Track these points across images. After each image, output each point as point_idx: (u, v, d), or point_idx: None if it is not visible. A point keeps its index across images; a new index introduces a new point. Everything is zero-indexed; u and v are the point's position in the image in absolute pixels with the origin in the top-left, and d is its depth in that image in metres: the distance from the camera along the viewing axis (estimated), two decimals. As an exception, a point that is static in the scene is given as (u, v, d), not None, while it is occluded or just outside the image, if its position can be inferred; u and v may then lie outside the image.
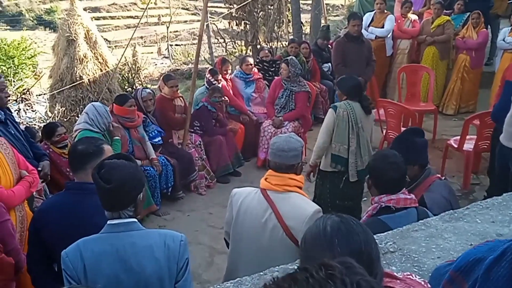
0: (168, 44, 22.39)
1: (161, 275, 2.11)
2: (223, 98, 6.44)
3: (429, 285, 1.53)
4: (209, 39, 12.80)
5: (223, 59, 7.20)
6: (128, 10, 33.78)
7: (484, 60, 8.55)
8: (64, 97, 8.94)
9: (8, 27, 29.55)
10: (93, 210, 2.40)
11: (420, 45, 8.35)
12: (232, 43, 12.04)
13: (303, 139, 5.62)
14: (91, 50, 9.06)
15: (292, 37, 9.71)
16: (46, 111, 9.41)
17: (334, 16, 20.19)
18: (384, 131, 6.47)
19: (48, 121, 7.31)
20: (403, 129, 6.18)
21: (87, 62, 8.93)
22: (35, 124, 8.23)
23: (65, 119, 8.36)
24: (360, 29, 6.47)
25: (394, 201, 2.70)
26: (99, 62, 9.19)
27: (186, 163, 5.86)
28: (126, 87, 11.41)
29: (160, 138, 5.68)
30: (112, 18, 32.04)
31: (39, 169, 3.82)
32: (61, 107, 8.73)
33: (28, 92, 9.80)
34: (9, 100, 4.18)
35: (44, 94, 10.57)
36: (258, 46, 10.31)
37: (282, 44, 11.01)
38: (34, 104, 9.53)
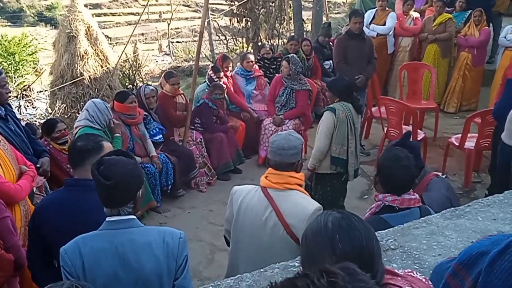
0: (169, 41, 22.38)
1: (160, 272, 2.10)
2: (224, 96, 6.44)
3: (430, 282, 1.53)
4: (210, 36, 12.81)
5: (224, 56, 7.19)
6: (129, 7, 33.77)
7: (486, 58, 8.54)
8: (65, 94, 8.93)
9: (9, 24, 29.55)
10: (92, 206, 2.40)
11: (422, 43, 8.34)
12: (233, 40, 12.03)
13: (303, 137, 5.65)
14: (92, 47, 9.05)
15: (293, 34, 9.69)
16: (47, 108, 9.40)
17: (336, 13, 20.15)
18: (385, 129, 6.46)
19: (48, 118, 7.30)
20: (404, 127, 6.19)
21: (87, 58, 8.91)
22: (35, 121, 8.21)
23: (65, 116, 8.35)
24: (361, 26, 6.45)
25: (399, 202, 2.69)
26: (100, 58, 9.18)
27: (187, 160, 5.85)
28: (127, 84, 11.40)
29: (161, 135, 5.67)
30: (113, 14, 32.03)
31: (38, 165, 3.81)
32: (61, 104, 8.72)
33: (28, 89, 9.77)
34: (9, 97, 4.17)
35: (45, 90, 10.56)
36: (259, 43, 10.29)
37: (283, 41, 10.99)
38: (34, 100, 9.50)
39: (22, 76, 12.32)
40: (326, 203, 4.60)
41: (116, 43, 18.79)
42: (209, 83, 6.51)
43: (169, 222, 5.31)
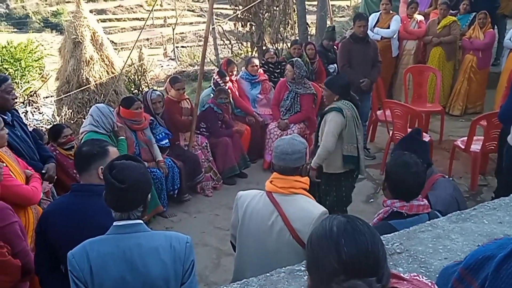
0: (174, 46, 22.43)
1: (167, 277, 2.11)
2: (229, 100, 6.46)
3: (436, 286, 1.53)
4: (215, 41, 12.80)
5: (229, 61, 7.20)
6: (134, 12, 33.88)
7: (491, 60, 8.51)
8: (71, 99, 8.97)
9: (15, 30, 29.71)
10: (98, 211, 2.42)
11: (426, 46, 8.33)
12: (238, 45, 12.03)
13: (309, 141, 5.64)
14: (97, 52, 9.09)
15: (297, 38, 9.70)
16: (53, 113, 9.44)
17: (340, 17, 20.16)
18: (391, 132, 6.45)
19: (54, 123, 7.34)
20: (409, 130, 6.18)
21: (93, 64, 8.95)
22: (42, 126, 8.26)
23: (72, 121, 8.39)
24: (365, 30, 6.45)
25: (407, 208, 2.67)
26: (106, 64, 9.22)
27: (193, 164, 5.87)
28: (132, 89, 11.44)
29: (167, 140, 5.69)
30: (118, 20, 32.14)
31: (44, 171, 3.83)
32: (68, 109, 8.77)
33: (35, 95, 9.83)
34: (16, 103, 4.20)
35: (51, 96, 10.61)
36: (264, 48, 10.29)
37: (287, 45, 10.98)
38: (41, 106, 9.56)
39: (28, 82, 12.38)
40: (341, 203, 4.70)
41: (121, 48, 18.86)
42: (214, 88, 6.53)
43: (175, 226, 5.32)
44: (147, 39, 25.90)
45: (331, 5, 11.86)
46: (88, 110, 4.96)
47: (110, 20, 31.30)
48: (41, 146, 4.18)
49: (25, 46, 14.42)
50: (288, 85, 6.39)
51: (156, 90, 5.96)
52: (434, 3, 9.29)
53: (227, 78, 6.61)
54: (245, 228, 2.76)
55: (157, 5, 29.74)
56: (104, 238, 2.11)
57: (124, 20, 32.35)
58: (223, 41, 12.45)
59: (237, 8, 10.79)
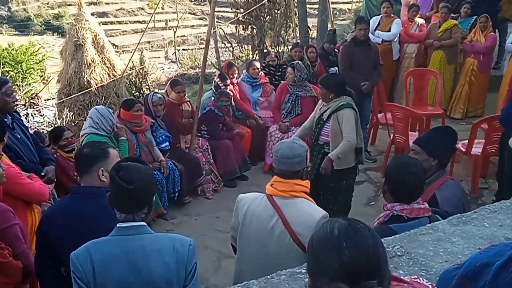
0: (175, 48, 22.48)
1: (170, 279, 2.11)
2: (230, 103, 6.46)
3: (436, 289, 1.53)
4: (216, 44, 12.84)
5: (230, 63, 7.22)
6: (135, 15, 33.91)
7: (492, 64, 8.51)
8: (72, 102, 9.00)
9: (17, 32, 29.76)
10: (98, 213, 2.42)
11: (428, 49, 8.33)
12: (239, 48, 12.06)
13: (310, 144, 5.63)
14: (98, 55, 9.11)
15: (299, 41, 9.71)
16: (54, 116, 9.46)
17: (341, 20, 20.16)
18: (392, 135, 6.45)
19: (55, 126, 7.35)
20: (410, 133, 6.18)
21: (94, 66, 8.98)
22: (43, 129, 8.27)
23: (73, 124, 8.41)
24: (367, 33, 6.46)
25: (407, 211, 2.65)
26: (107, 66, 9.25)
27: (193, 167, 5.87)
28: (133, 91, 11.46)
29: (167, 143, 5.69)
30: (119, 23, 32.18)
31: (43, 173, 3.84)
32: (69, 112, 8.78)
33: (36, 97, 9.86)
34: (16, 105, 4.21)
35: (52, 98, 10.63)
36: (265, 51, 10.32)
37: (288, 48, 11.01)
38: (42, 108, 9.58)
39: (29, 84, 12.40)
40: (350, 198, 4.86)
41: (122, 51, 18.90)
42: (215, 91, 6.54)
43: (176, 229, 5.32)
44: (149, 42, 25.94)
45: (332, 8, 11.90)
46: (89, 112, 4.97)
47: (111, 23, 31.33)
48: (41, 148, 4.19)
49: (26, 49, 14.45)
50: (289, 88, 6.39)
51: (157, 93, 5.97)
52: (435, 6, 9.30)
53: (228, 81, 6.62)
54: (245, 231, 2.75)
55: (158, 8, 29.77)
56: (107, 240, 2.11)
57: (125, 23, 32.38)
58: (224, 44, 12.48)
59: (238, 11, 10.83)
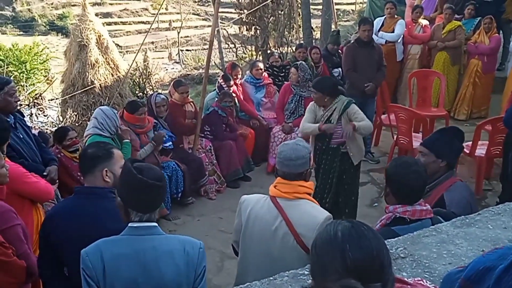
0: (179, 49, 22.47)
1: (179, 281, 2.11)
2: (233, 103, 6.46)
3: (440, 291, 1.52)
4: (220, 44, 12.84)
5: (233, 64, 7.22)
6: (139, 16, 33.92)
7: (496, 65, 8.50)
8: (76, 102, 9.00)
9: (21, 33, 29.81)
10: (101, 214, 2.42)
11: (431, 51, 8.32)
12: (243, 48, 12.07)
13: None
14: (102, 55, 9.12)
15: (302, 42, 9.71)
16: (58, 116, 9.48)
17: (345, 21, 20.13)
18: (395, 137, 6.44)
19: (59, 126, 7.37)
20: (414, 134, 6.17)
21: (98, 67, 8.98)
22: (47, 129, 8.29)
23: (76, 124, 8.42)
24: (370, 34, 6.46)
25: (410, 213, 2.62)
26: (111, 67, 9.25)
27: (196, 168, 5.87)
28: (137, 92, 11.48)
29: (171, 142, 5.70)
30: (123, 23, 32.19)
31: (45, 173, 3.85)
32: (72, 112, 8.80)
33: (40, 97, 9.88)
34: (19, 105, 4.22)
35: (56, 99, 10.65)
36: (268, 51, 10.32)
37: (292, 49, 11.01)
38: (46, 108, 9.60)
39: (33, 84, 12.41)
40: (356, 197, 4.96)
41: (126, 51, 18.92)
42: (218, 91, 6.54)
43: (178, 229, 5.32)
44: (152, 43, 25.94)
45: (336, 9, 11.88)
46: (93, 112, 4.96)
47: (115, 23, 31.35)
48: (44, 149, 4.19)
49: (30, 49, 14.48)
50: (292, 88, 6.39)
51: (161, 94, 5.96)
52: (440, 7, 9.29)
53: (231, 82, 6.62)
54: (248, 233, 2.75)
55: (162, 8, 29.81)
56: (118, 239, 2.11)
57: (129, 24, 32.40)
58: (228, 44, 12.49)
59: (242, 12, 10.83)
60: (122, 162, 2.59)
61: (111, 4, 34.06)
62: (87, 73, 8.86)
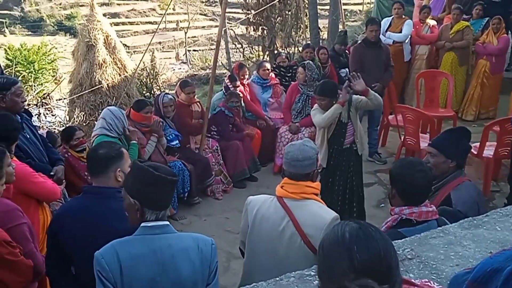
0: (186, 49, 22.53)
1: (195, 278, 2.13)
2: (240, 104, 6.47)
3: (447, 293, 1.52)
4: (227, 45, 12.85)
5: (240, 64, 7.22)
6: (146, 16, 34.04)
7: (505, 66, 8.44)
8: (84, 102, 9.05)
9: (29, 33, 30.00)
10: (109, 214, 2.43)
11: (439, 51, 8.28)
12: (250, 49, 12.06)
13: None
14: (110, 55, 9.15)
15: (309, 42, 9.70)
16: (66, 116, 9.52)
17: (352, 21, 20.12)
18: (402, 137, 6.42)
19: (67, 125, 7.40)
20: (421, 135, 6.15)
21: (106, 67, 9.02)
22: (54, 128, 8.33)
23: (84, 124, 8.45)
24: (378, 34, 6.44)
25: (416, 214, 2.60)
26: (118, 67, 9.28)
27: (203, 168, 5.87)
28: (144, 92, 11.50)
29: (177, 141, 5.71)
30: (131, 23, 32.31)
31: (52, 173, 3.86)
32: (80, 112, 8.84)
33: (48, 97, 9.92)
34: (26, 105, 4.22)
35: (64, 98, 10.70)
36: (275, 52, 10.31)
37: (299, 49, 11.00)
38: (54, 108, 9.64)
39: (41, 84, 12.49)
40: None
41: (134, 51, 18.96)
42: (225, 91, 6.55)
43: (185, 229, 5.32)
44: (160, 43, 26.02)
45: (343, 9, 11.85)
46: (100, 112, 4.97)
47: (123, 23, 31.47)
48: (51, 148, 4.20)
49: (38, 49, 14.57)
50: (299, 88, 6.39)
51: (169, 94, 5.98)
52: (448, 7, 9.25)
53: (238, 83, 6.63)
54: (255, 233, 2.74)
55: (169, 9, 29.87)
56: (132, 239, 2.11)
57: (137, 24, 32.51)
58: (235, 45, 12.50)
59: (249, 12, 10.83)
60: (129, 161, 2.59)
61: (118, 4, 34.21)
62: (94, 73, 8.90)
